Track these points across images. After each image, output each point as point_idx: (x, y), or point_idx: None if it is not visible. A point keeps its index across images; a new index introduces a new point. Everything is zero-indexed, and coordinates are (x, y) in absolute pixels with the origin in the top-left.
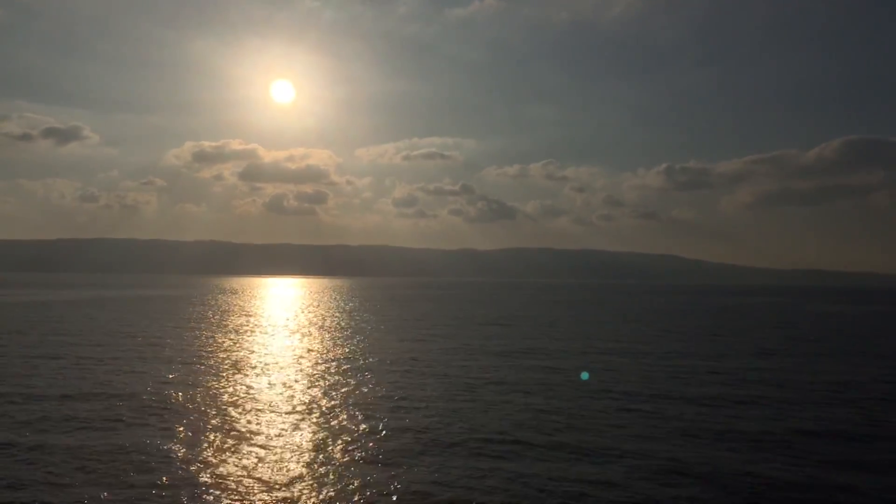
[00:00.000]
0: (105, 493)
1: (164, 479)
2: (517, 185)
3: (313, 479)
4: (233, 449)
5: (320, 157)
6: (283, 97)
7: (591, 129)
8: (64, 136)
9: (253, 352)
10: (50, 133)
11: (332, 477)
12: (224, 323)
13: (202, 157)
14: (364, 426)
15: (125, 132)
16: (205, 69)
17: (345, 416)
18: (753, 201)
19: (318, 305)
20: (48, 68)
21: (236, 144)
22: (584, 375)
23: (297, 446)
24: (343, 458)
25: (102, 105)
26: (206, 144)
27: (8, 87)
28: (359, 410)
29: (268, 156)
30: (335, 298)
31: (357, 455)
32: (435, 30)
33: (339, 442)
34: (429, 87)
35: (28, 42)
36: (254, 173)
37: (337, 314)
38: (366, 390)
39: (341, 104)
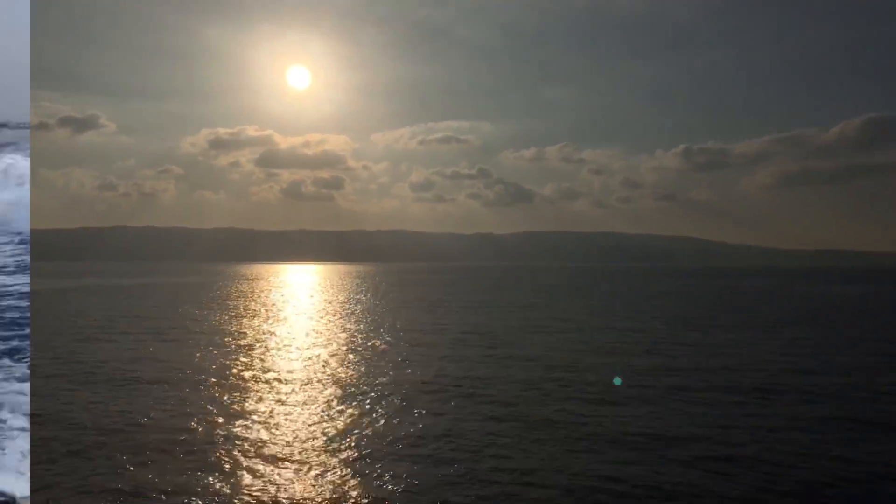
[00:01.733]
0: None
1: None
2: (534, 169)
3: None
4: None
5: (336, 143)
6: (299, 83)
7: (607, 111)
8: (80, 124)
9: (227, 335)
10: (66, 122)
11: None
12: (221, 308)
13: (218, 145)
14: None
15: (141, 120)
16: (219, 55)
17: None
18: (773, 182)
19: (315, 293)
20: (64, 57)
21: (252, 131)
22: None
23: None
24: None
25: (117, 93)
26: (222, 131)
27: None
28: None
29: (284, 142)
30: (336, 286)
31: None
32: (449, 13)
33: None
34: (444, 71)
35: (44, 31)
36: (270, 160)
37: (329, 301)
38: (316, 374)
39: (356, 89)
